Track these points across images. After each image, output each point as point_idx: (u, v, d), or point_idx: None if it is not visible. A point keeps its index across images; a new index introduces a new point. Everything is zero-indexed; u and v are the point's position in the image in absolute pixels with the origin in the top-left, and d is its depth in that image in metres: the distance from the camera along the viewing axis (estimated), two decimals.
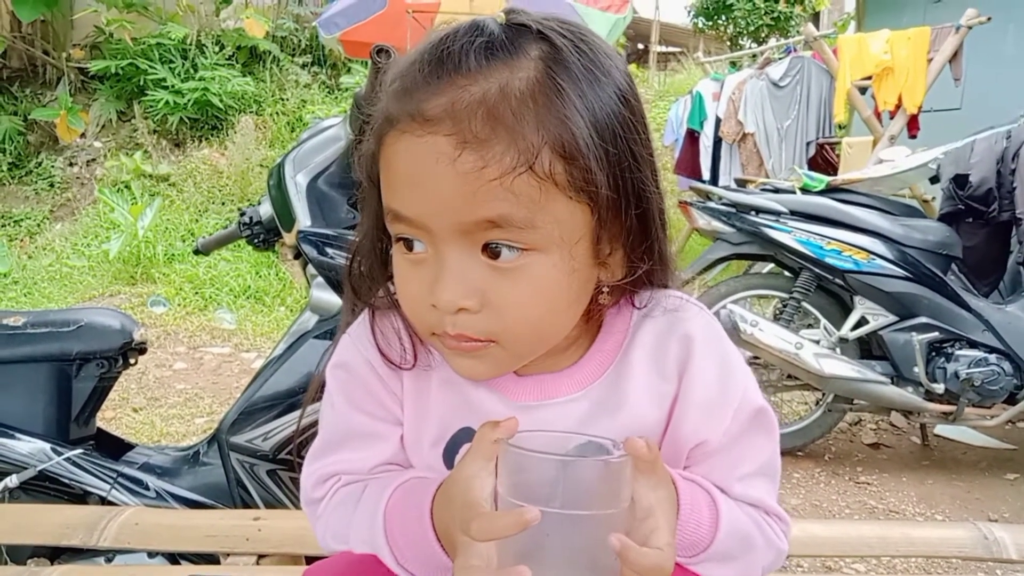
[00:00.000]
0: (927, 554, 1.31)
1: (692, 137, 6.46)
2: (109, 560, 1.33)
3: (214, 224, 6.21)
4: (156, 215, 5.92)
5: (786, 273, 2.94)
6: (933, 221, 2.97)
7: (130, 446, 1.55)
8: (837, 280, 2.72)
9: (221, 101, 6.97)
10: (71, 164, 6.97)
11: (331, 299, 1.35)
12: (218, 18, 7.75)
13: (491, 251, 0.59)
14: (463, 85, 0.57)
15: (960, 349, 2.64)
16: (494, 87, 0.57)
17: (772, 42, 9.32)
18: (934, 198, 3.97)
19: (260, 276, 5.54)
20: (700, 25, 12.60)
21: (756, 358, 2.74)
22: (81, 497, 1.39)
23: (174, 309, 5.05)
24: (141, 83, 7.02)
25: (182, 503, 1.39)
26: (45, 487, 1.38)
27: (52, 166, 6.89)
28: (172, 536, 1.25)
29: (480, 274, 0.59)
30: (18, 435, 1.37)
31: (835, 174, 3.84)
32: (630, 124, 0.61)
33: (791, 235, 2.71)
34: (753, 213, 2.79)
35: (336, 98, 7.61)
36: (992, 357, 2.61)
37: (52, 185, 6.78)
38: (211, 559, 1.30)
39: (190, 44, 7.19)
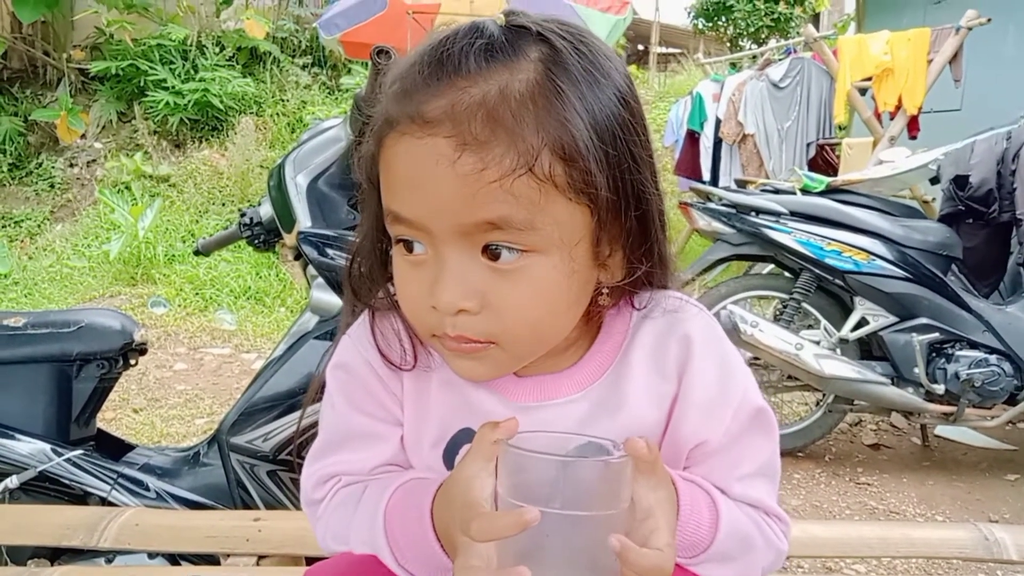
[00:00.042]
0: (927, 555, 1.31)
1: (692, 138, 6.45)
2: (109, 561, 1.33)
3: (214, 225, 6.22)
4: (156, 216, 5.92)
5: (786, 274, 2.94)
6: (933, 222, 2.97)
7: (130, 447, 1.55)
8: (837, 281, 2.72)
9: (221, 102, 6.98)
10: (71, 165, 6.98)
11: (331, 300, 1.35)
12: (218, 19, 7.76)
13: (491, 253, 0.59)
14: (463, 87, 0.57)
15: (960, 350, 2.64)
16: (494, 89, 0.57)
17: (772, 43, 9.32)
18: (934, 199, 3.97)
19: (260, 277, 5.54)
20: (700, 26, 12.62)
21: (756, 359, 2.74)
22: (81, 498, 1.39)
23: (174, 310, 5.05)
24: (141, 84, 7.03)
25: (182, 504, 1.39)
26: (45, 488, 1.38)
27: (52, 167, 6.89)
28: (172, 537, 1.25)
29: (480, 276, 0.59)
30: (18, 436, 1.37)
31: (835, 175, 3.83)
32: (630, 126, 0.61)
33: (791, 236, 2.71)
34: (753, 214, 2.79)
35: (336, 99, 7.62)
36: (992, 358, 2.61)
37: (52, 186, 6.78)
38: (211, 560, 1.31)
39: (190, 45, 7.20)
